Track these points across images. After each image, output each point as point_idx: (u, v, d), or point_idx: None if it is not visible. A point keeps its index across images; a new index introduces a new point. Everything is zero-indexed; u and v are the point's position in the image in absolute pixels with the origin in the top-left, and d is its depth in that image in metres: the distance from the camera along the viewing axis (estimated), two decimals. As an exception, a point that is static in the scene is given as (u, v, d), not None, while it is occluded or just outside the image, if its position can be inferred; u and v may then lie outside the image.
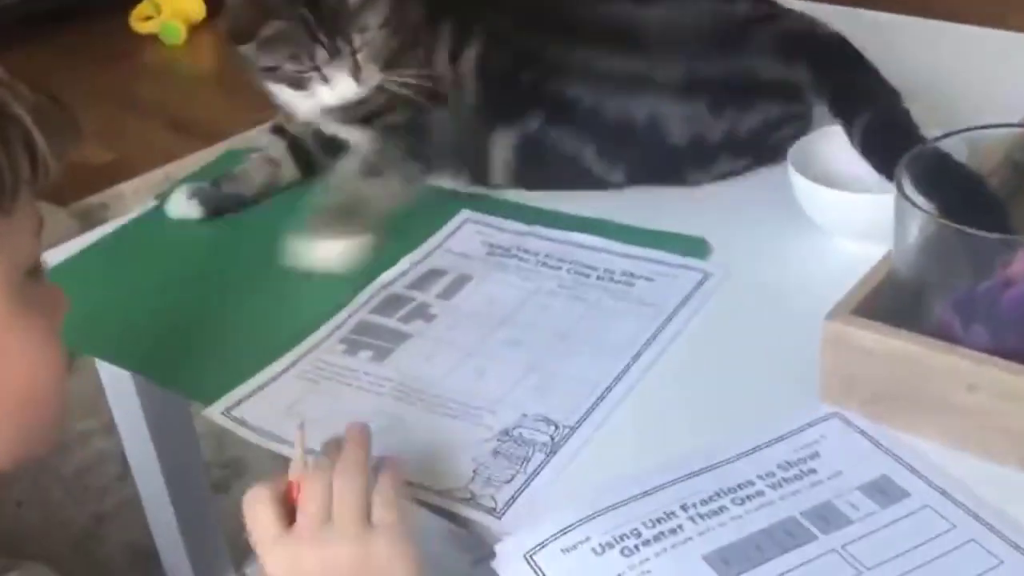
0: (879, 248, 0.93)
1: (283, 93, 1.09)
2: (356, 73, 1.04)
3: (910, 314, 0.80)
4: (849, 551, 0.71)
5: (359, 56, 1.04)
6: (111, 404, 1.21)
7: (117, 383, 1.18)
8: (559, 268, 1.00)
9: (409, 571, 0.72)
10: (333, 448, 0.76)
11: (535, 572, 0.72)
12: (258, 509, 0.73)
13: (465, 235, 1.07)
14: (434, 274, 1.02)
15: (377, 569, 0.72)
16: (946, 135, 0.86)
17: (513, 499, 0.78)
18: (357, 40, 1.04)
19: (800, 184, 0.99)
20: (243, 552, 1.40)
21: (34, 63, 3.16)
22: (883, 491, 0.76)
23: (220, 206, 1.14)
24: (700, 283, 0.96)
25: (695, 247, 1.02)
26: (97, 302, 1.05)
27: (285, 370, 0.93)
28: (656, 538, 0.73)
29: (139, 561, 1.63)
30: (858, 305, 0.81)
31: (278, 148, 1.16)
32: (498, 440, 0.83)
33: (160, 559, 1.34)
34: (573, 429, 0.83)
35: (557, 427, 0.84)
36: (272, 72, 1.07)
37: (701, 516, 0.74)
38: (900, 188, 0.79)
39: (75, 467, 1.84)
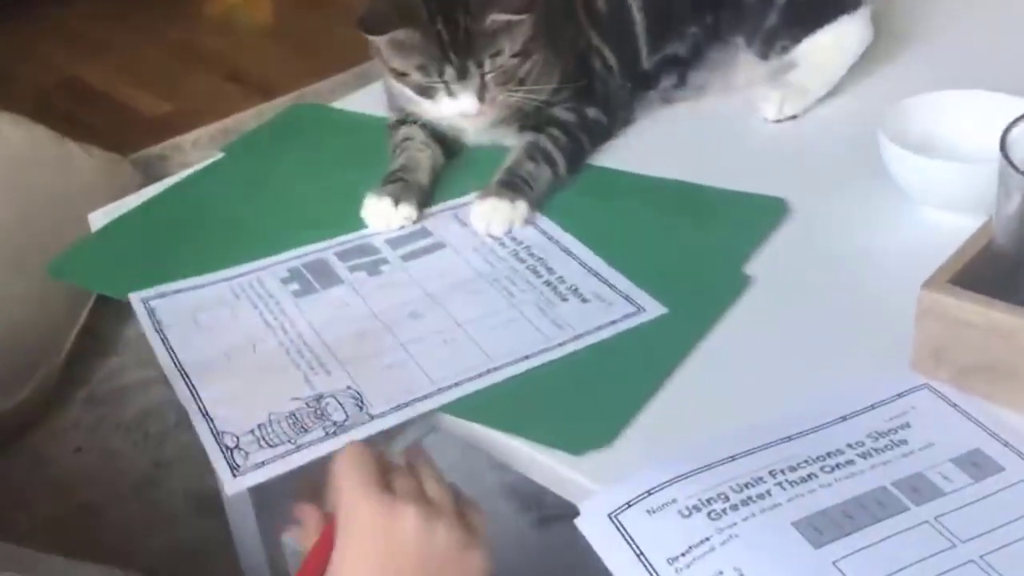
0: (968, 219, 0.92)
1: (409, 93, 1.08)
2: (482, 93, 1.04)
3: (1008, 286, 0.78)
4: (943, 523, 0.70)
5: (488, 78, 1.04)
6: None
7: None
8: (524, 261, 0.99)
9: (484, 569, 0.73)
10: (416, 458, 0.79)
11: (620, 532, 0.72)
12: (363, 457, 0.74)
13: (476, 230, 1.05)
14: (419, 235, 1.04)
15: (466, 563, 0.72)
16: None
17: (260, 464, 0.80)
18: (488, 64, 1.03)
19: (892, 150, 0.97)
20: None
21: (95, 11, 3.18)
22: (976, 464, 0.74)
23: (422, 200, 1.08)
24: (625, 316, 0.91)
25: (772, 207, 1.01)
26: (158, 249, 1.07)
27: (227, 279, 1.00)
28: (744, 503, 0.72)
29: (200, 508, 1.65)
30: (955, 275, 0.79)
31: (420, 134, 1.13)
32: (305, 403, 0.85)
33: (222, 506, 1.34)
34: (371, 418, 0.83)
35: (361, 407, 0.84)
36: (400, 75, 1.06)
37: (790, 483, 0.73)
38: (1004, 153, 0.77)
39: (133, 414, 1.86)
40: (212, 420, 0.84)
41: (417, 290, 0.97)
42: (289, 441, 0.82)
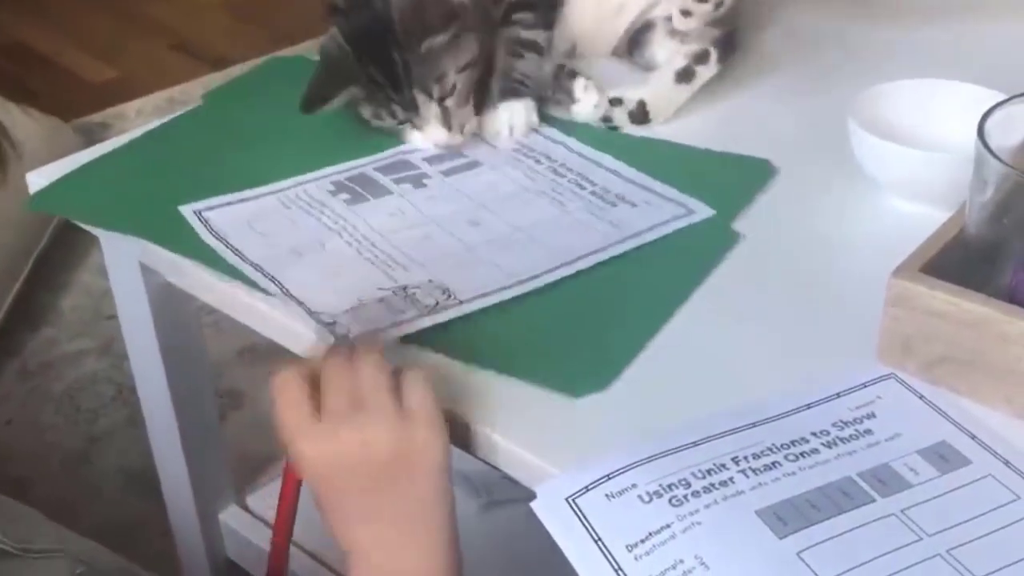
0: (934, 209, 0.90)
1: None
2: (447, 121, 1.02)
3: (979, 276, 0.77)
4: (908, 515, 0.68)
5: (448, 102, 1.01)
6: (119, 310, 1.16)
7: (128, 292, 1.13)
8: (564, 176, 1.02)
9: (445, 459, 0.72)
10: (343, 348, 0.76)
11: (578, 516, 0.69)
12: (292, 390, 0.72)
13: (499, 140, 1.07)
14: (453, 154, 1.05)
15: (416, 453, 0.71)
16: (1020, 95, 0.82)
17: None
18: (436, 91, 1.01)
19: (861, 137, 0.95)
20: (244, 481, 1.36)
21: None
22: (943, 457, 0.72)
23: None
24: (676, 217, 0.95)
25: (759, 169, 1.01)
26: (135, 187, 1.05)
27: (271, 192, 1.00)
28: (706, 489, 0.69)
29: (133, 485, 1.60)
30: (925, 264, 0.77)
31: None
32: (392, 292, 0.87)
33: (157, 484, 1.30)
34: (461, 303, 0.85)
35: (449, 296, 0.86)
36: (366, 123, 1.05)
37: (754, 470, 0.71)
38: (982, 139, 0.75)
39: (67, 387, 1.80)
40: (303, 303, 0.86)
41: (467, 201, 0.99)
42: (387, 319, 0.84)
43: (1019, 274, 0.76)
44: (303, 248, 0.93)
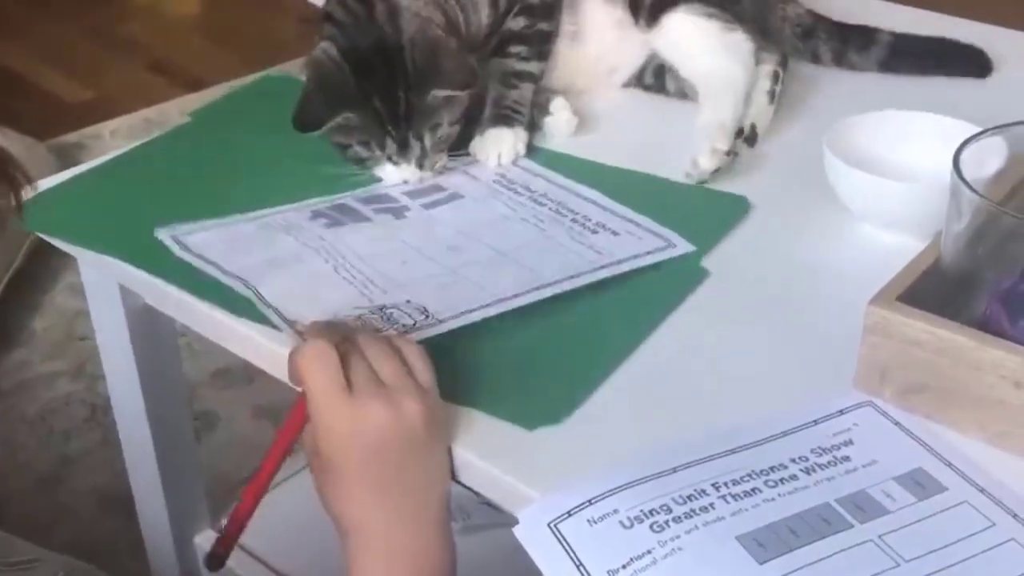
0: (909, 238, 0.92)
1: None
2: (422, 162, 1.04)
3: (954, 305, 0.78)
4: (886, 541, 0.69)
5: (428, 147, 1.03)
6: (97, 331, 1.16)
7: (106, 314, 1.13)
8: (544, 205, 1.02)
9: (449, 431, 0.78)
10: (322, 327, 0.80)
11: (559, 541, 0.69)
12: (325, 361, 0.75)
13: (485, 166, 1.08)
14: (433, 189, 1.05)
15: (437, 425, 0.76)
16: (994, 129, 0.83)
17: None
18: (428, 138, 1.02)
19: (835, 166, 0.96)
20: (218, 504, 1.36)
21: (17, -8, 3.08)
22: (919, 483, 0.73)
23: None
24: (658, 248, 0.95)
25: (734, 204, 1.01)
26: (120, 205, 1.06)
27: (250, 220, 1.00)
28: (687, 515, 0.70)
29: (107, 506, 1.59)
30: (902, 293, 0.79)
31: None
32: (369, 311, 0.86)
33: (130, 505, 1.29)
34: (439, 322, 0.85)
35: (427, 316, 0.86)
36: (342, 148, 1.04)
37: (733, 496, 0.71)
38: (957, 170, 0.76)
39: (39, 408, 1.80)
40: (278, 310, 0.87)
41: (448, 229, 0.99)
42: None
43: (993, 304, 0.77)
44: (281, 261, 0.93)
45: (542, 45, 1.12)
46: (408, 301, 0.88)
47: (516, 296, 0.88)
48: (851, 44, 1.19)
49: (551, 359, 0.85)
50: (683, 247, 0.95)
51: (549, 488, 0.73)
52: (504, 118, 1.08)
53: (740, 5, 1.14)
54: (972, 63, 1.18)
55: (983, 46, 1.20)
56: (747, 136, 1.08)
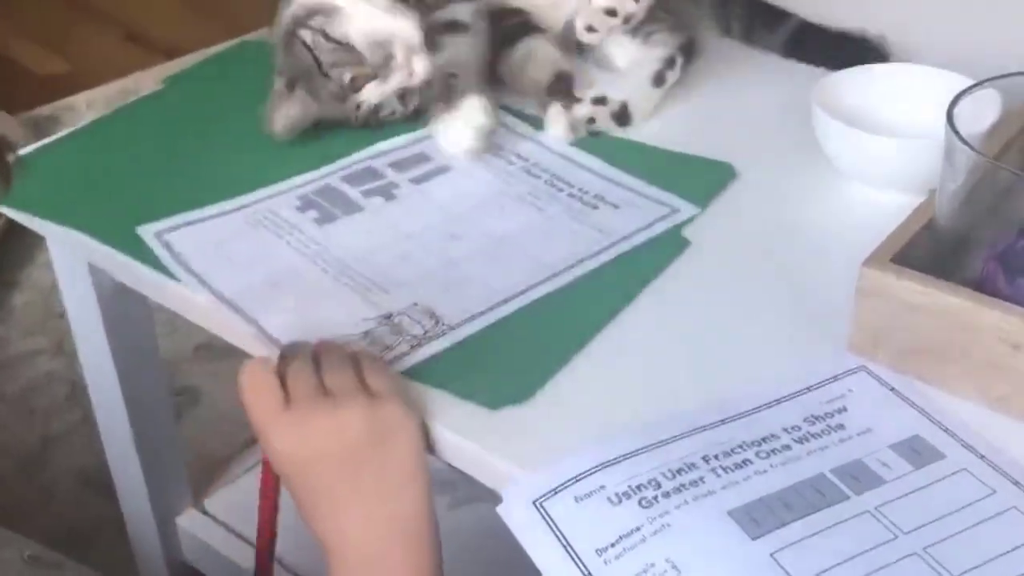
0: (900, 195, 0.89)
1: None
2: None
3: (949, 265, 0.75)
4: (883, 513, 0.66)
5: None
6: (69, 311, 1.13)
7: (77, 292, 1.10)
8: (539, 177, 0.98)
9: (419, 434, 0.72)
10: (304, 344, 0.77)
11: (545, 520, 0.67)
12: (260, 381, 0.72)
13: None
14: (420, 158, 1.01)
15: (389, 431, 0.71)
16: (987, 81, 0.80)
17: None
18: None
19: (825, 123, 0.93)
20: (202, 482, 1.33)
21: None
22: (916, 451, 0.71)
23: None
24: (662, 217, 0.92)
25: (719, 169, 0.97)
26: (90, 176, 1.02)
27: (235, 209, 0.95)
28: (677, 490, 0.68)
29: (90, 486, 1.56)
30: (895, 253, 0.76)
31: None
32: (376, 322, 0.82)
33: (112, 486, 1.27)
34: (451, 328, 0.81)
35: (437, 321, 0.82)
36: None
37: (724, 469, 0.69)
38: (951, 126, 0.74)
39: (20, 387, 1.76)
40: (279, 343, 0.81)
41: (441, 212, 0.94)
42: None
43: (990, 263, 0.74)
44: (277, 277, 0.87)
45: None
46: (415, 304, 0.84)
47: (524, 292, 0.85)
48: (759, 21, 1.13)
49: (520, 333, 0.82)
50: (687, 211, 0.92)
51: (533, 464, 0.70)
52: (449, 90, 0.99)
53: None
54: (869, 55, 1.07)
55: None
56: (616, 113, 1.02)
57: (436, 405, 0.75)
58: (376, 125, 1.03)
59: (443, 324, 0.82)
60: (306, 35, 1.00)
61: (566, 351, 0.79)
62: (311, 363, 0.74)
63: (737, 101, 1.08)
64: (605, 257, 0.88)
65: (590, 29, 1.02)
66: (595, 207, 0.93)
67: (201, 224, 0.93)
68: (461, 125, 0.98)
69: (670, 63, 1.05)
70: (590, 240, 0.90)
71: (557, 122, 1.02)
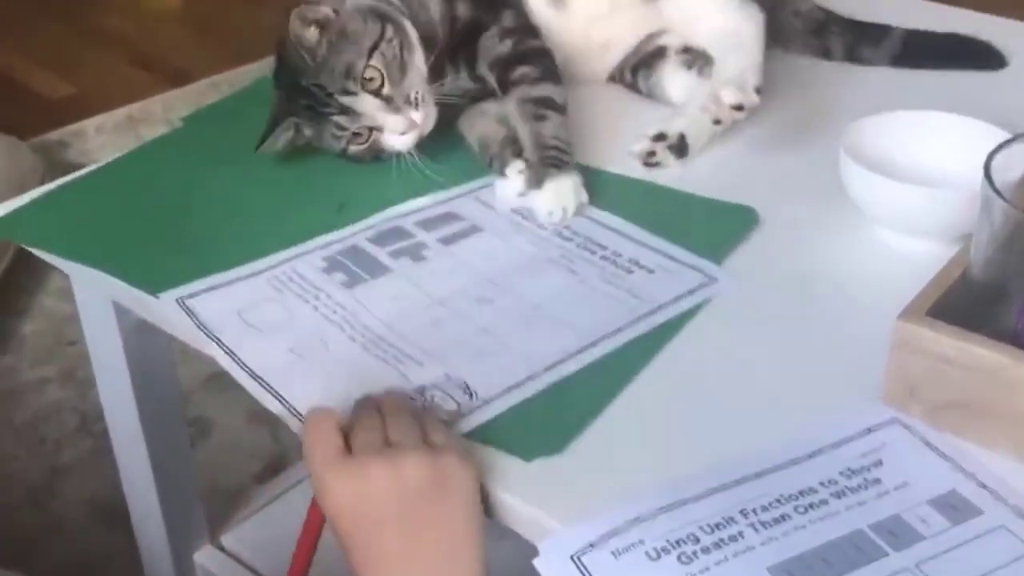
0: (928, 243, 0.90)
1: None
2: (392, 104, 1.00)
3: (984, 317, 0.75)
4: (923, 570, 0.66)
5: (384, 90, 1.00)
6: (90, 344, 1.12)
7: (98, 322, 1.09)
8: (571, 240, 0.96)
9: (477, 487, 0.72)
10: (369, 399, 0.78)
11: (583, 575, 0.67)
12: (322, 430, 0.73)
13: (500, 189, 1.02)
14: (448, 218, 0.99)
15: (448, 481, 0.71)
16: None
17: None
18: (351, 84, 0.99)
19: (853, 171, 0.93)
20: (217, 515, 1.33)
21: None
22: (954, 506, 0.71)
23: None
24: (701, 285, 0.90)
25: (745, 214, 0.97)
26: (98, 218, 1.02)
27: (259, 272, 0.93)
28: (716, 545, 0.67)
29: (100, 517, 1.56)
30: (931, 306, 0.76)
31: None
32: (410, 397, 0.80)
33: (124, 516, 1.26)
34: (485, 402, 0.79)
35: (472, 397, 0.80)
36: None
37: (763, 524, 0.69)
38: (988, 179, 0.74)
39: (29, 416, 1.76)
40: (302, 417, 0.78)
41: (472, 275, 0.92)
42: None
43: (1026, 317, 0.74)
44: (303, 348, 0.84)
45: (545, 62, 1.06)
46: (447, 376, 0.81)
47: (559, 363, 0.82)
48: (864, 38, 1.15)
49: (552, 384, 0.81)
50: (724, 280, 0.90)
51: (570, 517, 0.70)
52: (554, 161, 0.99)
53: None
54: (985, 57, 1.15)
55: (997, 40, 1.17)
56: (673, 144, 1.02)
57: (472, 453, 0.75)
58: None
59: (477, 398, 0.80)
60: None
61: (599, 403, 0.79)
62: (377, 416, 0.74)
63: (767, 145, 1.08)
64: (643, 327, 0.86)
65: (717, 122, 1.01)
66: (630, 271, 0.92)
67: (224, 288, 0.91)
68: (574, 194, 0.98)
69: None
70: (627, 306, 0.88)
71: (637, 142, 1.02)
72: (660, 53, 1.11)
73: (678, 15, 1.11)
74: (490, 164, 1.03)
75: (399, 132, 1.01)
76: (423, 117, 1.01)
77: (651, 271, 0.91)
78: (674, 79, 1.10)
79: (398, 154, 1.02)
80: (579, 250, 0.94)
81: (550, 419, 0.78)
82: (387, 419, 0.74)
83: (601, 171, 1.04)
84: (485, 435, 0.77)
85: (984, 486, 0.72)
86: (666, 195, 1.01)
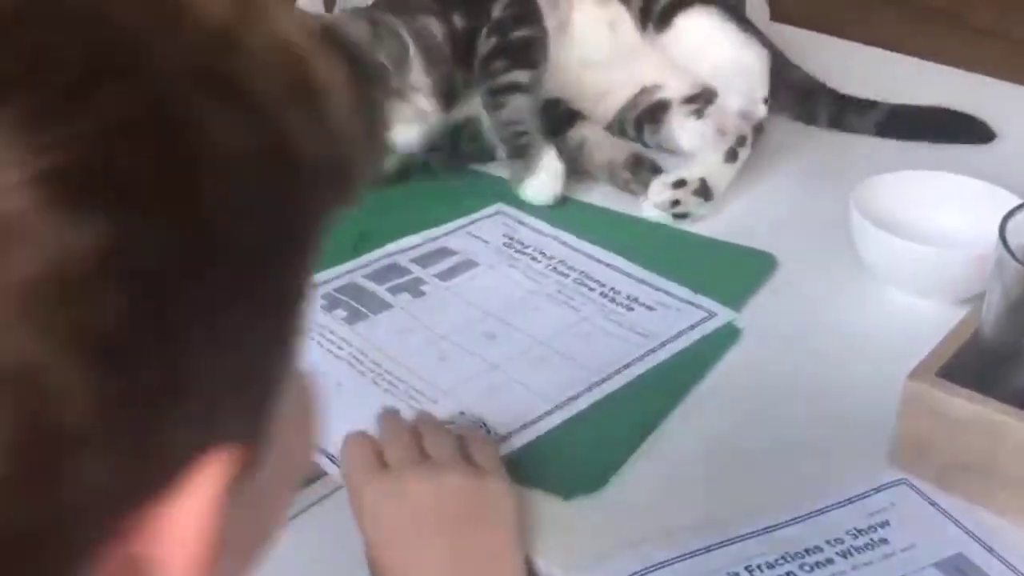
0: (937, 304, 0.89)
1: None
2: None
3: (994, 379, 0.75)
4: (930, 635, 0.65)
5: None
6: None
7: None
8: (567, 276, 0.96)
9: (517, 514, 0.70)
10: (395, 417, 0.77)
11: (585, 627, 0.65)
12: (360, 446, 0.71)
13: (491, 224, 1.02)
14: (443, 253, 0.99)
15: (489, 505, 0.69)
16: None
17: None
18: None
19: (865, 229, 0.93)
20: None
21: None
22: (960, 570, 0.70)
23: None
24: (701, 321, 0.90)
25: (761, 261, 0.97)
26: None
27: None
28: (721, 601, 0.66)
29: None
30: (941, 367, 0.75)
31: None
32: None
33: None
34: (502, 439, 0.79)
35: (488, 432, 0.79)
36: None
37: (769, 581, 0.68)
38: (1003, 241, 0.73)
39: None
40: (334, 458, 0.75)
41: (473, 310, 0.92)
42: None
43: (1037, 381, 0.74)
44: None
45: (525, 51, 1.06)
46: (462, 413, 0.81)
47: (573, 399, 0.82)
48: (850, 108, 1.15)
49: (584, 427, 0.81)
50: (724, 315, 0.90)
51: (574, 566, 0.69)
52: (516, 150, 1.02)
53: (743, 20, 1.11)
54: (973, 131, 1.13)
55: (989, 101, 1.17)
56: (698, 190, 1.02)
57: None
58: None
59: (495, 434, 0.79)
60: None
61: (632, 442, 0.79)
62: (410, 434, 0.73)
63: (782, 194, 1.08)
64: (651, 362, 0.86)
65: (721, 131, 1.02)
66: (630, 308, 0.91)
67: None
68: (545, 176, 1.01)
69: (741, 141, 1.05)
70: (631, 344, 0.87)
71: (659, 193, 1.02)
72: (663, 107, 1.11)
73: (682, 52, 1.10)
74: (631, 191, 1.04)
75: (406, 121, 1.02)
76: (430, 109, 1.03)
77: (651, 308, 0.91)
78: (683, 129, 1.09)
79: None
80: (576, 286, 0.94)
81: (581, 455, 0.78)
82: (425, 435, 0.73)
83: (612, 212, 1.04)
84: (522, 475, 0.75)
85: (991, 550, 0.71)
86: (679, 238, 1.01)
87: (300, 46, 0.34)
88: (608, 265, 0.96)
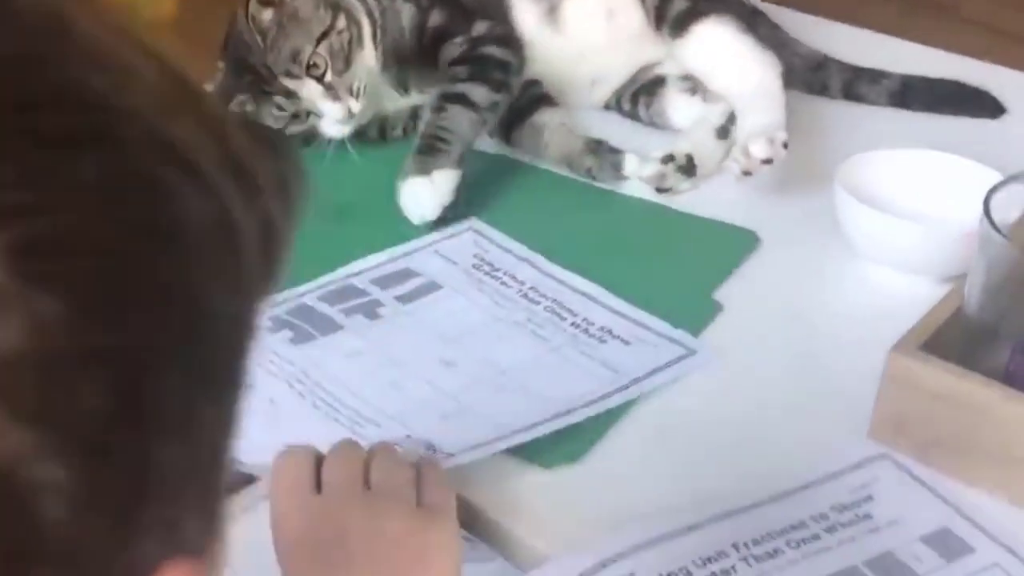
0: (919, 280, 0.90)
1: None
2: (332, 93, 1.02)
3: (975, 356, 0.76)
4: (918, 608, 0.66)
5: (327, 77, 1.01)
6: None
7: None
8: (538, 303, 0.90)
9: (458, 566, 0.64)
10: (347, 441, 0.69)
11: (573, 605, 0.66)
12: (293, 465, 0.65)
13: (460, 243, 0.96)
14: (405, 274, 0.93)
15: (429, 555, 0.63)
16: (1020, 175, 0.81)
17: None
18: (295, 68, 1.01)
19: (848, 205, 0.93)
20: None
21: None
22: (946, 544, 0.71)
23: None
24: (679, 359, 0.84)
25: (743, 238, 0.97)
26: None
27: None
28: (708, 579, 0.67)
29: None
30: (924, 341, 0.76)
31: None
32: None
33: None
34: (448, 455, 0.74)
35: (434, 451, 0.74)
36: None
37: (755, 558, 0.69)
38: (987, 217, 0.74)
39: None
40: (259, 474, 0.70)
41: (432, 335, 0.86)
42: None
43: (1017, 356, 0.75)
44: (252, 405, 0.77)
45: (491, 69, 1.03)
46: (408, 436, 0.76)
47: (530, 428, 0.76)
48: (862, 77, 1.16)
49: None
50: (703, 353, 0.84)
51: (560, 544, 0.70)
52: (425, 151, 0.97)
53: (758, 33, 1.11)
54: (983, 104, 1.14)
55: (994, 88, 1.17)
56: (684, 167, 1.01)
57: (465, 477, 0.74)
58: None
59: (441, 451, 0.74)
60: None
61: (601, 426, 0.78)
62: (358, 449, 0.67)
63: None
64: (619, 399, 0.80)
65: (747, 173, 0.99)
66: (603, 340, 0.86)
67: None
68: (426, 189, 0.96)
69: (733, 118, 1.05)
70: (601, 379, 0.82)
71: (643, 167, 1.01)
72: (659, 81, 1.11)
73: (695, 62, 1.10)
74: (593, 177, 1.04)
75: (336, 120, 1.02)
76: (361, 108, 1.03)
77: (627, 342, 0.86)
78: (677, 106, 1.10)
79: (330, 140, 1.04)
80: (547, 314, 0.88)
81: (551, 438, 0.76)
82: (375, 458, 0.66)
83: (602, 189, 1.04)
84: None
85: (975, 524, 0.72)
86: (667, 215, 1.01)
87: (227, 123, 0.35)
88: (583, 294, 0.90)
